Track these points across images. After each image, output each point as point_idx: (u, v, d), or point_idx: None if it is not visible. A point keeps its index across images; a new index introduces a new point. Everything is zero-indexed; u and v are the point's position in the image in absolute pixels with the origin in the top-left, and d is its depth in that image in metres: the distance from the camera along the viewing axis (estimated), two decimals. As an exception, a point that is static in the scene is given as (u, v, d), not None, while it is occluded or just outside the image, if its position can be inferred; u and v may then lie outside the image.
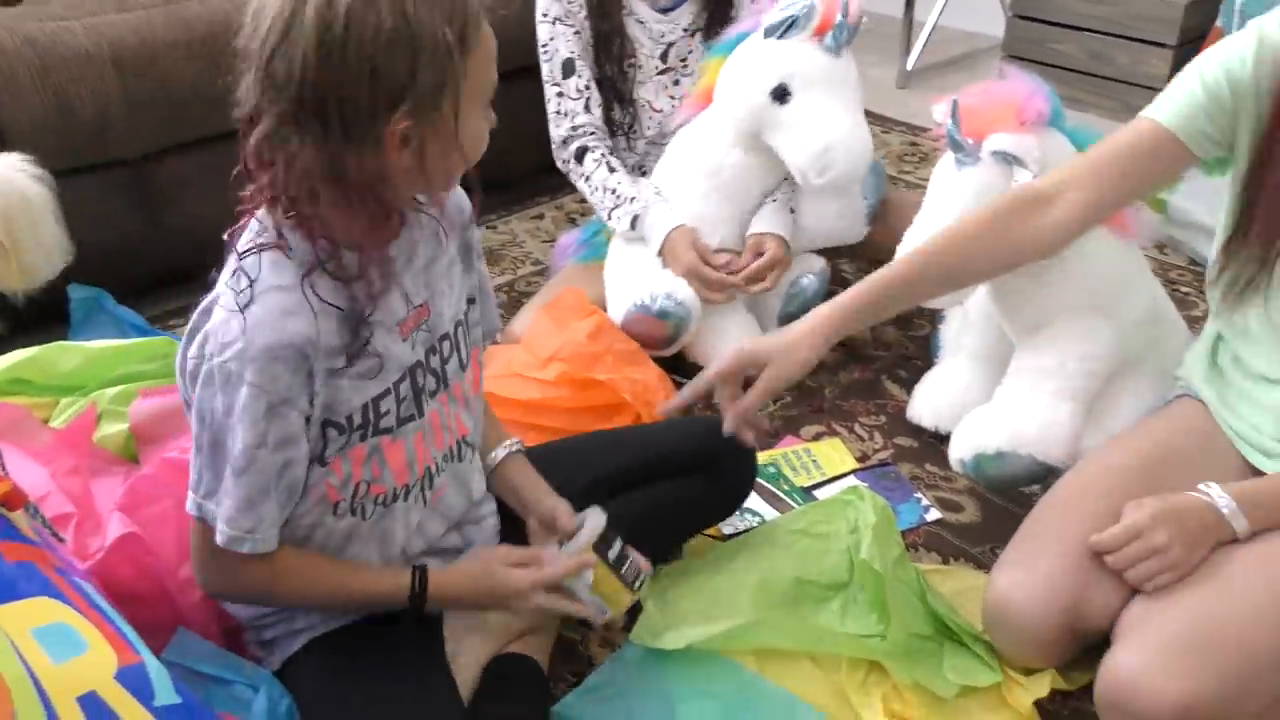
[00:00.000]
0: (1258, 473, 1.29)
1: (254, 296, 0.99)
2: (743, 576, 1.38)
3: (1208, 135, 1.23)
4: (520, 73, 2.46)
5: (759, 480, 1.61)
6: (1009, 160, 1.45)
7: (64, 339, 1.68)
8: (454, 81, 0.97)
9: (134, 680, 0.87)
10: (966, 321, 1.76)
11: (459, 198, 1.19)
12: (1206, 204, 2.09)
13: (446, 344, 1.17)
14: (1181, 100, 1.23)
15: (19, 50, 1.87)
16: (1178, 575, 1.16)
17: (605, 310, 1.86)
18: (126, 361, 1.55)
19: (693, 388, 1.25)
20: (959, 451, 1.57)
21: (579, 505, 1.28)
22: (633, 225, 1.85)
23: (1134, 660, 1.12)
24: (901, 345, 1.99)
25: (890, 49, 3.39)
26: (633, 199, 1.85)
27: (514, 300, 2.14)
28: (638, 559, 1.22)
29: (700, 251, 1.81)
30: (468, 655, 1.22)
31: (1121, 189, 1.28)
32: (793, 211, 1.90)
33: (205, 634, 1.22)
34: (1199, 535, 1.18)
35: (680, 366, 1.85)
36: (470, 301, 1.22)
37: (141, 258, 2.00)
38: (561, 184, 2.56)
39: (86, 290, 1.87)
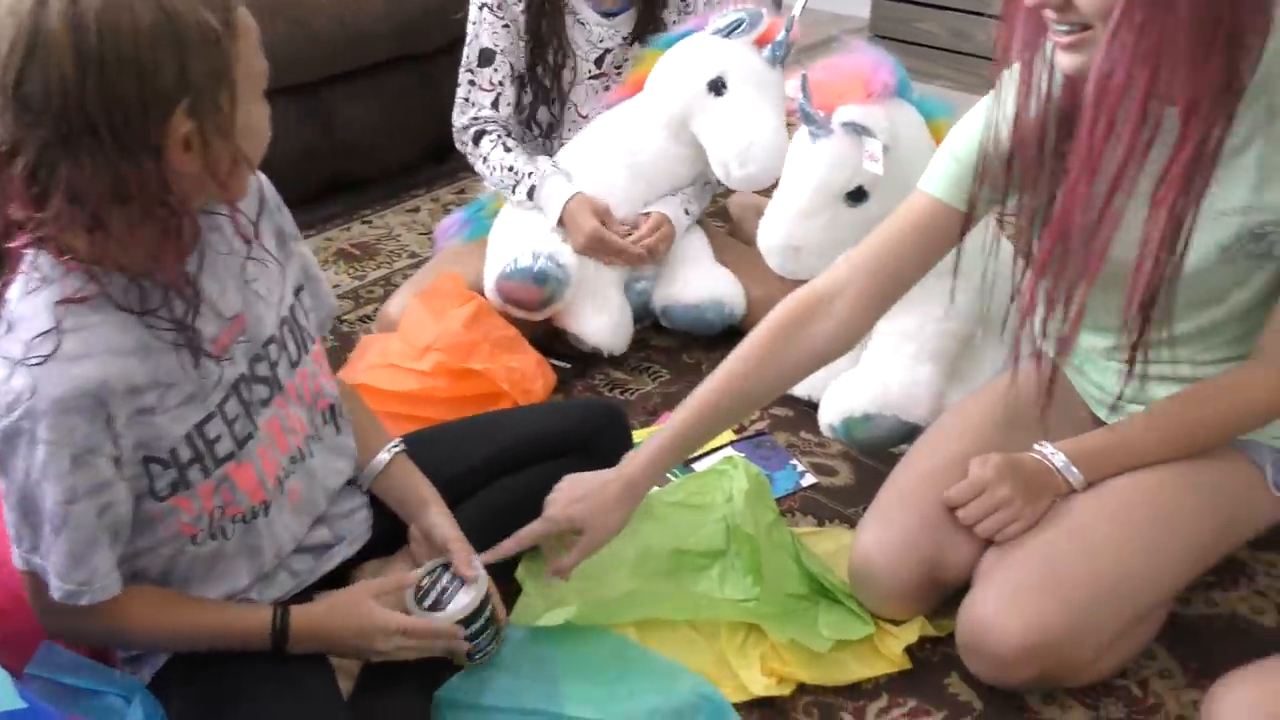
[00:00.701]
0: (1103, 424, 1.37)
1: (34, 347, 0.92)
2: (620, 550, 1.40)
3: (980, 196, 1.22)
4: (393, 64, 2.46)
5: (638, 456, 1.64)
6: (858, 130, 1.50)
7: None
8: (228, 71, 0.93)
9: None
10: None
11: (254, 184, 1.14)
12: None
13: (273, 347, 1.12)
14: (946, 169, 1.25)
15: None
16: (1024, 525, 1.22)
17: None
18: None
19: (517, 539, 1.24)
20: (828, 416, 1.61)
21: (456, 493, 1.29)
22: (530, 196, 1.86)
23: (987, 603, 1.18)
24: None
25: (759, 31, 3.45)
26: (530, 172, 1.86)
27: (390, 296, 2.12)
28: (499, 625, 1.24)
29: (600, 214, 1.83)
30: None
31: (903, 272, 1.27)
32: (687, 214, 1.95)
33: (72, 646, 1.19)
34: (1039, 488, 1.24)
35: (554, 348, 1.87)
36: (298, 290, 1.18)
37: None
38: (436, 176, 2.57)
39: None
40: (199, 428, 1.04)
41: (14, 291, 0.95)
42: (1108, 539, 1.19)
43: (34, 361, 0.92)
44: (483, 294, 1.85)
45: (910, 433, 1.57)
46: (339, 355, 1.90)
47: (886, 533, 1.30)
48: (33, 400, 0.92)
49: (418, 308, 1.80)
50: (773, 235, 1.63)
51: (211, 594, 1.13)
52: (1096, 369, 1.36)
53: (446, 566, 1.22)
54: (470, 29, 1.91)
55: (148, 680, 1.15)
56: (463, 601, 1.19)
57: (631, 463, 1.27)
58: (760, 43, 1.83)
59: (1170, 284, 1.08)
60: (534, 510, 1.32)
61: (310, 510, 1.21)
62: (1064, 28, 1.03)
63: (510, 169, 1.89)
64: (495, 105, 1.92)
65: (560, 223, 1.84)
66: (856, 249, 1.31)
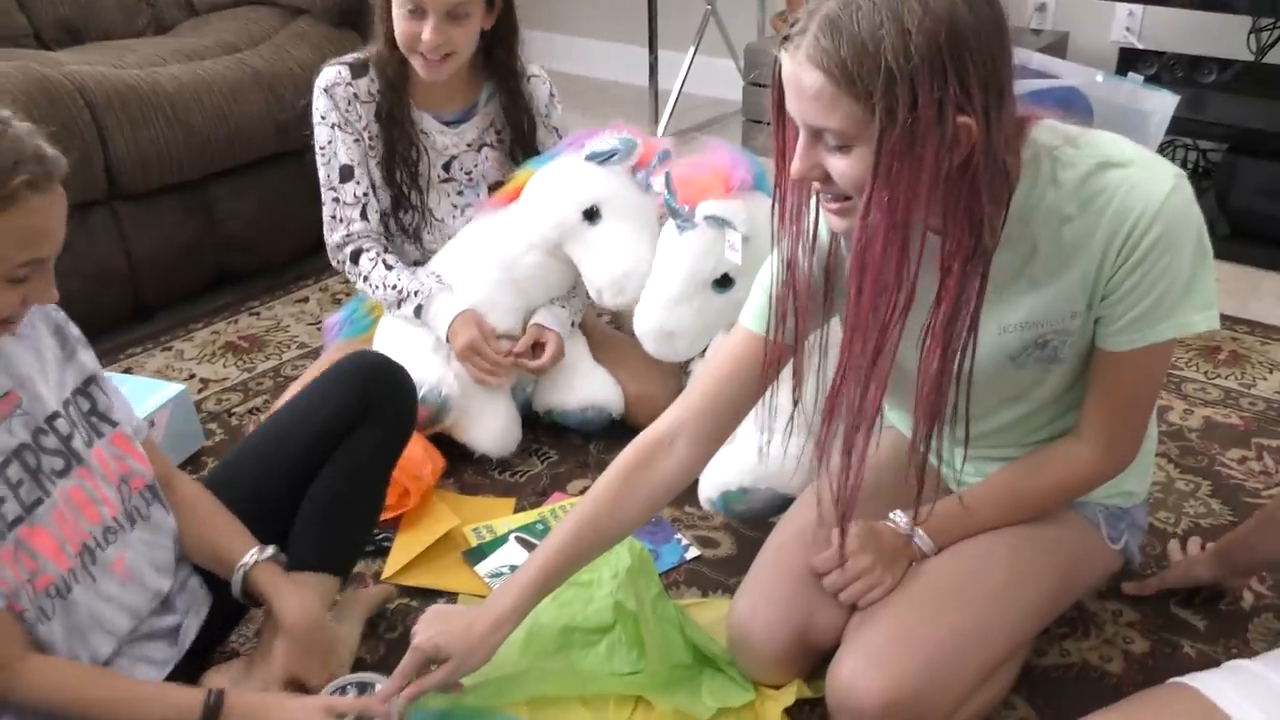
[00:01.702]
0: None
1: None
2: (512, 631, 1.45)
3: (784, 329, 1.26)
4: (275, 159, 2.50)
5: (525, 537, 1.69)
6: (720, 223, 1.60)
7: None
8: None
9: None
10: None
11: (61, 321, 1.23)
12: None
13: (61, 422, 1.18)
14: (758, 302, 1.33)
15: None
16: (884, 590, 1.31)
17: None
18: None
19: (401, 672, 1.27)
20: (706, 491, 1.69)
21: (280, 514, 1.36)
22: (417, 314, 1.90)
23: (851, 664, 1.25)
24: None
25: (641, 115, 3.59)
26: (415, 291, 1.89)
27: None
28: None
29: (484, 333, 1.88)
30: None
31: (735, 403, 1.33)
32: (573, 325, 2.02)
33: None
34: (894, 554, 1.34)
35: (450, 441, 1.91)
36: (87, 383, 1.23)
37: None
38: (324, 266, 2.60)
39: None
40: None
41: None
42: (960, 596, 1.28)
43: None
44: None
45: (786, 503, 1.65)
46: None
47: (760, 600, 1.37)
48: None
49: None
50: (647, 321, 1.71)
51: None
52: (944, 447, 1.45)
53: (352, 685, 1.28)
54: (323, 151, 1.93)
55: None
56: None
57: (499, 601, 1.29)
58: (635, 168, 1.87)
59: (960, 396, 1.15)
60: (355, 503, 1.41)
61: (148, 582, 1.24)
62: (829, 195, 1.12)
63: (394, 287, 1.91)
64: (364, 215, 1.95)
65: (446, 338, 1.88)
66: (687, 393, 1.37)
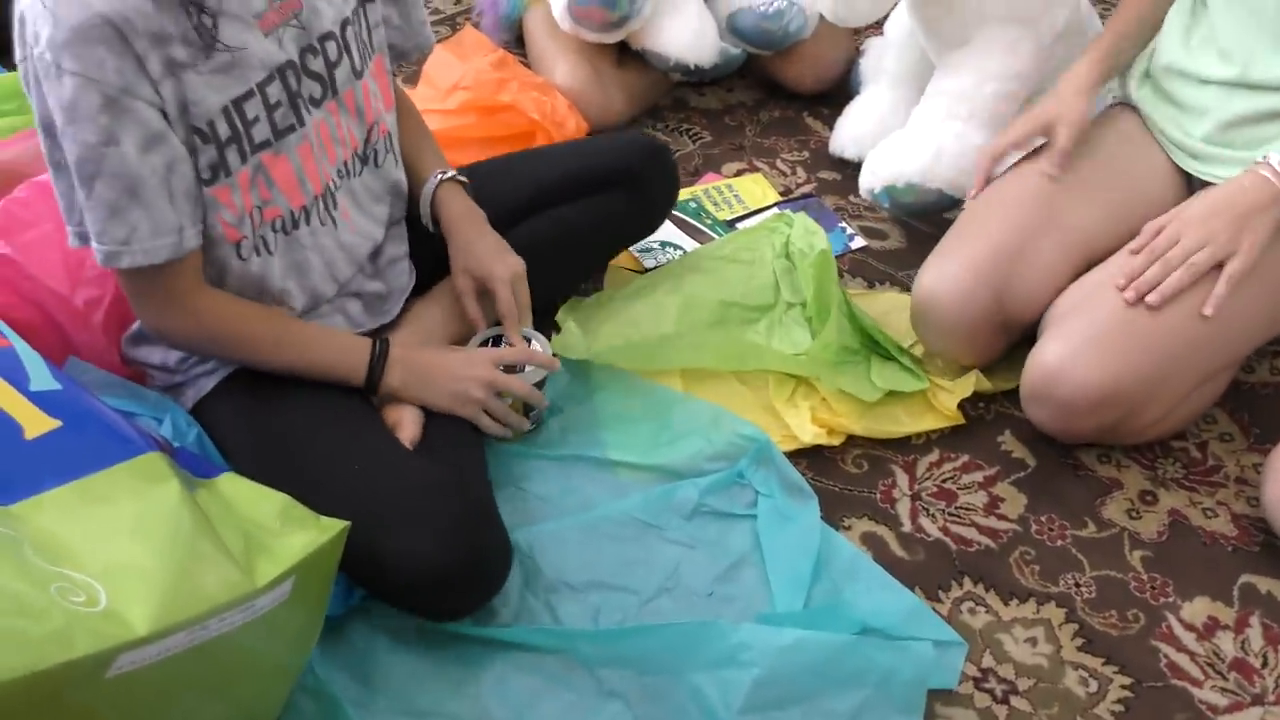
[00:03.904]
0: (1186, 176, 1.28)
1: None
2: (665, 299, 1.35)
3: None
4: None
5: (680, 215, 1.57)
6: None
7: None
8: None
9: (4, 364, 0.80)
10: (887, 47, 1.70)
11: None
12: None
13: (332, 45, 1.06)
14: None
15: None
16: (1241, 264, 1.11)
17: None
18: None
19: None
20: (869, 181, 1.53)
21: (500, 226, 1.22)
22: None
23: (1058, 348, 1.12)
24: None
25: None
26: None
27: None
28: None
29: None
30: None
31: None
32: None
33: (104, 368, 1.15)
34: (1249, 214, 1.12)
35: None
36: (365, 2, 1.11)
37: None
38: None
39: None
40: (236, 104, 0.99)
41: None
42: (1190, 293, 1.12)
43: None
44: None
45: (955, 203, 1.49)
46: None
47: (952, 266, 1.23)
48: (53, 28, 0.88)
49: (441, 53, 1.69)
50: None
51: None
52: (1191, 113, 1.26)
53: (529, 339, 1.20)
54: None
55: (188, 405, 1.12)
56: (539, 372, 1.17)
57: (1074, 67, 1.29)
58: None
59: None
60: (580, 244, 1.29)
61: (362, 231, 1.16)
62: None
63: None
64: None
65: None
66: None
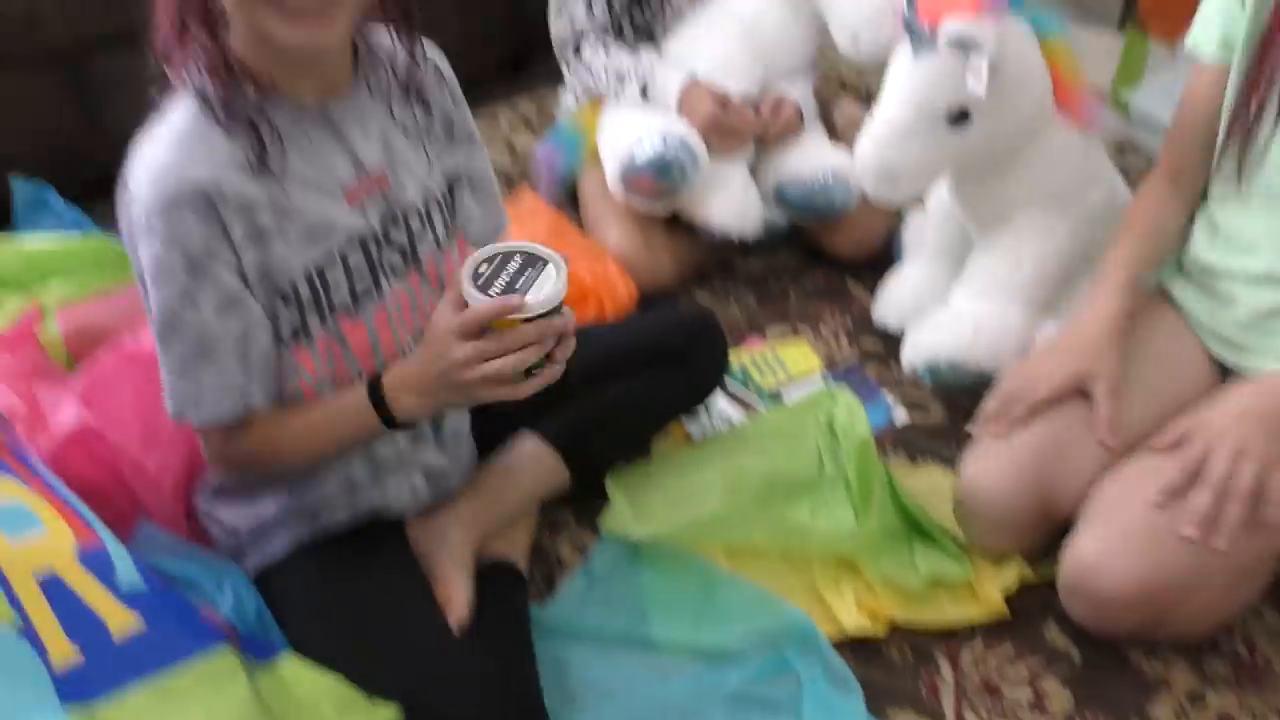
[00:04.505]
0: (1220, 366, 1.31)
1: (156, 140, 0.97)
2: (712, 475, 1.38)
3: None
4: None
5: (726, 382, 1.61)
6: (965, 47, 1.41)
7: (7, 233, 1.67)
8: None
9: (96, 563, 0.84)
10: (928, 220, 1.76)
11: (439, 63, 1.14)
12: (1169, 105, 2.08)
13: (416, 219, 1.11)
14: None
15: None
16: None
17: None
18: (64, 261, 1.51)
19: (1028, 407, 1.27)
20: (910, 358, 1.56)
21: (548, 401, 1.26)
22: (644, 94, 1.80)
23: (1095, 541, 1.14)
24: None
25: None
26: (638, 71, 1.80)
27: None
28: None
29: (717, 99, 1.77)
30: (446, 565, 1.19)
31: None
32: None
33: (173, 531, 1.20)
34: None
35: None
36: (453, 184, 1.17)
37: (81, 158, 1.89)
38: (513, 89, 2.50)
39: (30, 184, 1.79)
40: (319, 269, 1.04)
41: (171, 103, 1.00)
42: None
43: (154, 153, 0.97)
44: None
45: (995, 381, 1.52)
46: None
47: (996, 457, 1.26)
48: (148, 193, 0.95)
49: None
50: (870, 158, 1.54)
51: (331, 485, 1.14)
52: (1224, 303, 1.29)
53: (512, 254, 1.01)
54: None
55: (251, 573, 1.15)
56: (547, 289, 0.98)
57: (1096, 308, 1.30)
58: None
59: None
60: (630, 420, 1.31)
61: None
62: None
63: (617, 72, 1.82)
64: (590, 9, 1.85)
65: (679, 110, 1.77)
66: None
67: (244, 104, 0.98)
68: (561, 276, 1.00)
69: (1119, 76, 2.27)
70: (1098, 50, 2.76)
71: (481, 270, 0.99)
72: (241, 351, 1.01)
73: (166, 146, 0.97)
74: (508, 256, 1.00)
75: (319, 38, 0.96)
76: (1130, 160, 2.26)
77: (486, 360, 0.98)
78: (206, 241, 0.97)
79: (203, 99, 0.97)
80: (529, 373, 1.01)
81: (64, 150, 1.87)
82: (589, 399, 1.32)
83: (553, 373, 1.03)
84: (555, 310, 1.00)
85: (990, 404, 1.32)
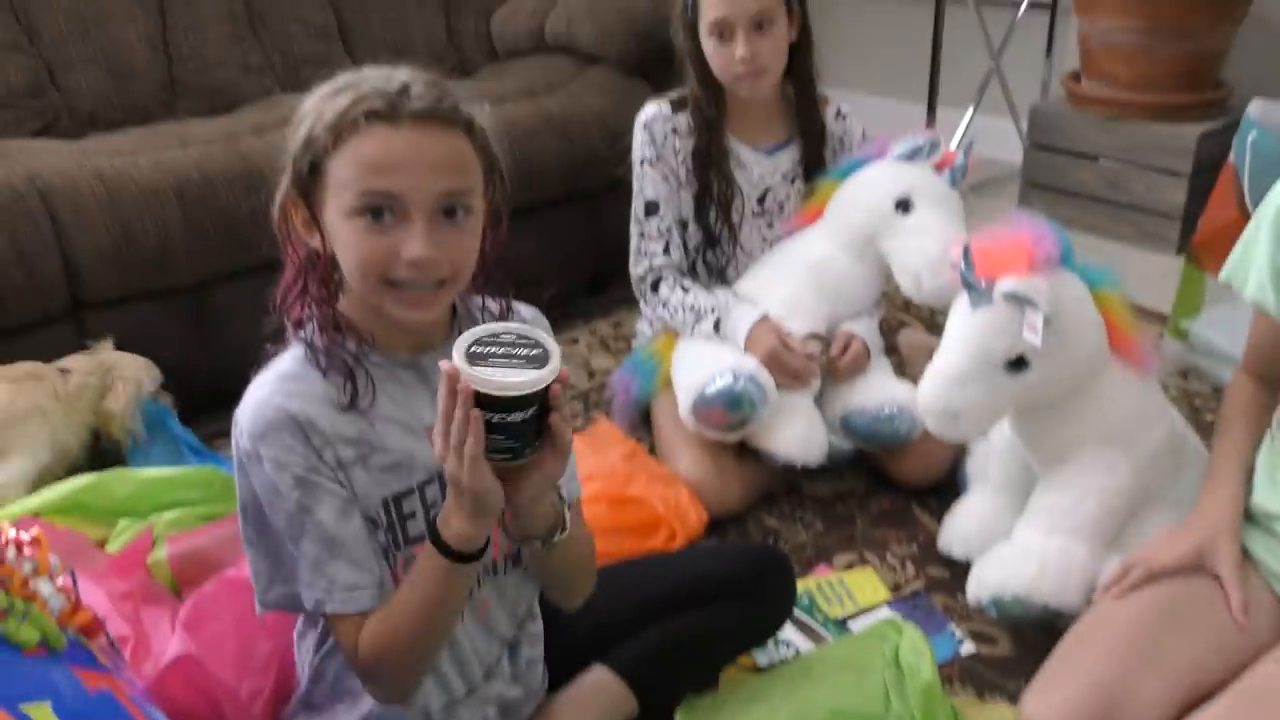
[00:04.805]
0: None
1: (261, 382, 1.08)
2: (778, 707, 1.40)
3: None
4: (550, 205, 2.56)
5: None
6: (1020, 301, 1.50)
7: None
8: (319, 173, 1.05)
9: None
10: (991, 452, 1.80)
11: (533, 319, 1.24)
12: (1229, 332, 2.14)
13: None
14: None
15: (90, 184, 1.98)
16: None
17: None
18: (176, 489, 1.62)
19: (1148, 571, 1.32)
20: (977, 591, 1.59)
21: (618, 632, 1.31)
22: (716, 329, 1.92)
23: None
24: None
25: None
26: (712, 307, 1.93)
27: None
28: (553, 439, 1.03)
29: (782, 337, 1.88)
30: None
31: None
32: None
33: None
34: None
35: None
36: None
37: (195, 378, 2.06)
38: (594, 309, 2.65)
39: (152, 406, 1.95)
40: (396, 498, 1.12)
41: (280, 350, 1.13)
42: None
43: (261, 391, 1.08)
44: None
45: (1061, 615, 1.53)
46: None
47: (1054, 701, 1.25)
48: (252, 423, 1.06)
49: (578, 443, 1.86)
50: (931, 399, 1.61)
51: (408, 717, 1.18)
52: None
53: (524, 339, 1.00)
54: (635, 183, 2.01)
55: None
56: (513, 378, 0.95)
57: (1210, 504, 1.35)
58: (938, 168, 1.92)
59: None
60: (696, 654, 1.33)
61: (497, 631, 1.24)
62: None
63: (691, 308, 1.95)
64: (666, 250, 2.00)
65: (745, 347, 1.88)
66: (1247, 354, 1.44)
67: (344, 354, 1.10)
68: (533, 374, 0.97)
69: (1177, 308, 2.34)
70: (1159, 274, 2.86)
71: (481, 341, 0.99)
72: (367, 546, 1.10)
73: (269, 384, 1.09)
74: (517, 340, 1.00)
75: (428, 315, 1.09)
76: (1194, 385, 2.31)
77: (462, 444, 0.97)
78: (307, 459, 1.06)
79: (309, 347, 1.10)
80: (518, 449, 1.00)
81: (181, 372, 2.03)
82: (658, 630, 1.36)
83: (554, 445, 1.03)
84: (518, 402, 0.97)
85: (1111, 570, 1.36)
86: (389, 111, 1.02)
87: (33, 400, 1.77)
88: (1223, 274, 1.40)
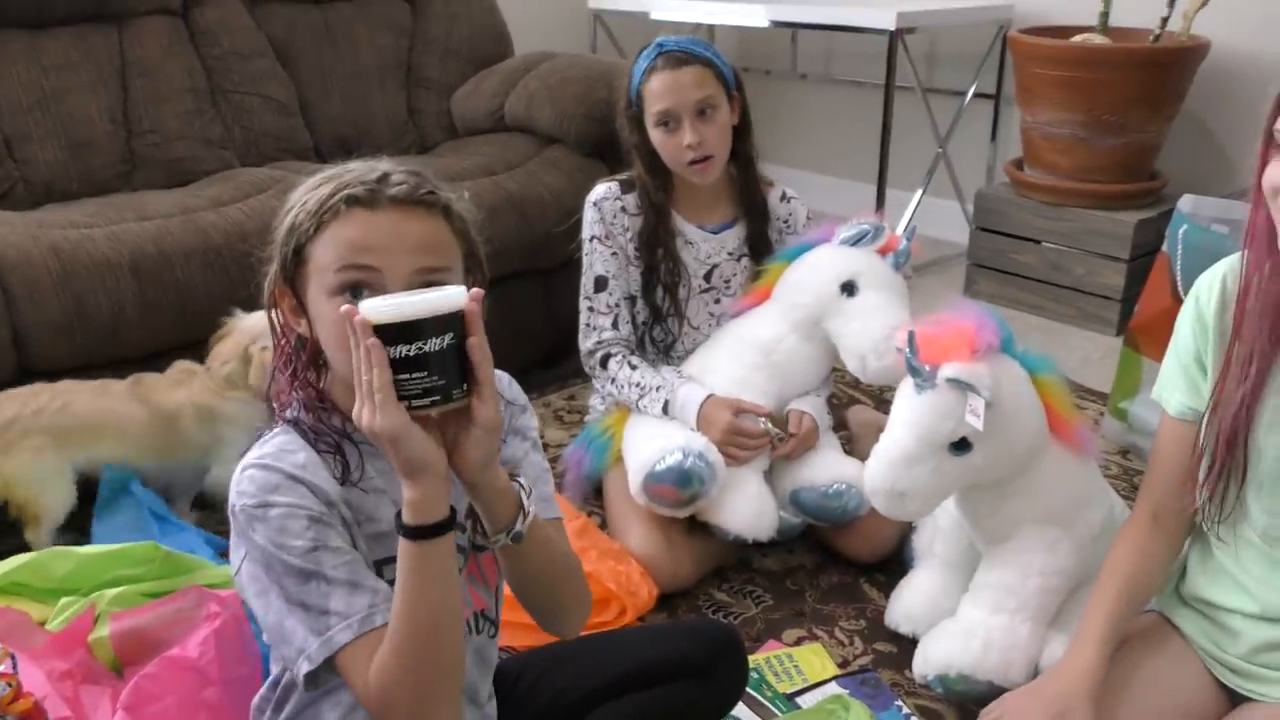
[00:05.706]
0: (1226, 690, 1.35)
1: (263, 454, 1.09)
2: (727, 788, 1.40)
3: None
4: (506, 280, 2.58)
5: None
6: (963, 386, 1.54)
7: (91, 516, 1.90)
8: (302, 258, 1.07)
9: None
10: (937, 529, 1.83)
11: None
12: (1163, 415, 2.20)
13: (470, 520, 1.18)
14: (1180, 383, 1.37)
15: (43, 257, 1.98)
16: None
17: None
18: (118, 565, 1.60)
19: None
20: (922, 668, 1.61)
21: (578, 715, 1.31)
22: (665, 410, 1.95)
23: None
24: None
25: (862, 254, 3.57)
26: (658, 386, 1.96)
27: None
28: (470, 380, 0.99)
29: (734, 410, 1.90)
30: None
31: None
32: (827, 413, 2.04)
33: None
34: None
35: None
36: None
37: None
38: (551, 380, 2.68)
39: (117, 473, 1.95)
40: (380, 564, 1.13)
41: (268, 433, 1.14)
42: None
43: (260, 457, 1.09)
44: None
45: (1006, 692, 1.55)
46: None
47: None
48: (252, 489, 1.07)
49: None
50: (879, 480, 1.64)
51: None
52: (1225, 632, 1.35)
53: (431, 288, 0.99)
54: (585, 259, 2.06)
55: None
56: (411, 298, 0.93)
57: (1072, 661, 1.36)
58: (882, 252, 1.97)
59: None
60: None
61: (478, 700, 1.25)
62: None
63: (639, 385, 1.98)
64: (615, 325, 2.04)
65: (696, 426, 1.91)
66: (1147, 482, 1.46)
67: (331, 430, 1.12)
68: (445, 296, 0.94)
69: (1116, 390, 2.41)
70: (1101, 353, 2.94)
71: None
72: (374, 577, 1.09)
73: (268, 455, 1.09)
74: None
75: None
76: (1134, 463, 2.36)
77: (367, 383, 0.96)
78: (319, 505, 1.07)
79: (296, 425, 1.11)
80: (442, 388, 0.96)
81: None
82: (609, 712, 1.36)
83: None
84: (413, 329, 0.93)
85: None
86: (369, 197, 1.06)
87: None
88: (1154, 393, 1.45)
